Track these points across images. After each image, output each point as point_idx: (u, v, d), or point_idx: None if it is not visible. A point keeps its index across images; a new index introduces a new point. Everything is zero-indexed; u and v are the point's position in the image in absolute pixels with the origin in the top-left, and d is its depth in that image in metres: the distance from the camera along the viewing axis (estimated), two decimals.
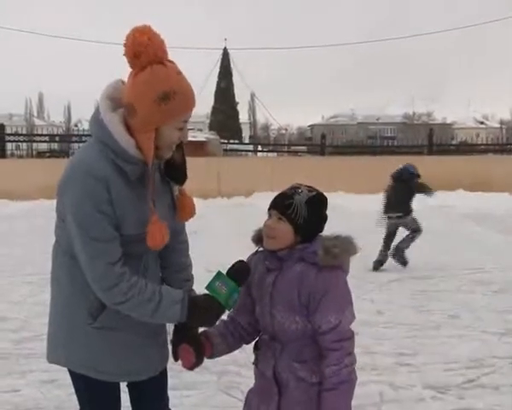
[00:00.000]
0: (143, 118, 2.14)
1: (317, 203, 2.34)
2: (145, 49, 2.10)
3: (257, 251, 2.44)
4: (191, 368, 2.39)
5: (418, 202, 10.34)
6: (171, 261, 2.53)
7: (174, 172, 2.36)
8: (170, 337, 2.47)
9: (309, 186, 2.38)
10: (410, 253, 8.88)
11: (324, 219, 2.38)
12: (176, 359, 2.42)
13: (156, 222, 2.20)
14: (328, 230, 2.39)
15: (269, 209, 2.36)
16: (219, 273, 2.30)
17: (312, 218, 2.30)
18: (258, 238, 2.41)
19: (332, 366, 2.22)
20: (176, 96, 2.13)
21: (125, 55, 2.14)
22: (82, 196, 2.14)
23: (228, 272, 2.30)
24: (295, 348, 2.31)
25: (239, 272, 2.31)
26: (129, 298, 2.19)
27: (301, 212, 2.28)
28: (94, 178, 2.13)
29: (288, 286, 2.28)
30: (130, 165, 2.18)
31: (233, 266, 2.32)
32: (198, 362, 2.37)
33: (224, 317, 2.45)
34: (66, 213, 2.19)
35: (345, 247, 2.29)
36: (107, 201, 2.16)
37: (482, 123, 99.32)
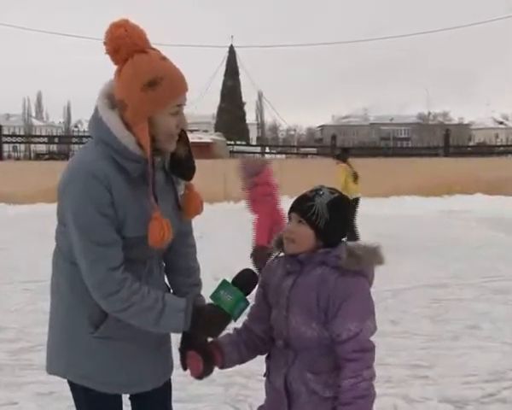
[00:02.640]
0: (134, 109, 2.16)
1: (340, 206, 2.30)
2: (123, 41, 2.14)
3: (276, 256, 2.42)
4: (199, 377, 2.37)
5: (433, 207, 10.32)
6: (179, 266, 2.53)
7: (180, 167, 2.37)
8: (178, 346, 2.46)
9: (331, 188, 2.35)
10: (425, 259, 8.85)
11: (348, 222, 2.35)
12: (184, 368, 2.42)
13: (158, 218, 2.19)
14: None
15: (289, 212, 2.35)
16: (224, 282, 2.29)
17: (334, 221, 2.26)
18: (279, 242, 2.39)
19: (350, 379, 2.17)
20: (162, 81, 2.15)
21: (106, 52, 2.18)
22: (83, 197, 2.14)
23: (233, 281, 2.29)
24: (309, 357, 2.27)
25: (245, 280, 2.30)
26: (130, 305, 2.18)
27: (322, 215, 2.25)
28: (95, 178, 2.14)
29: (306, 289, 2.26)
30: (132, 162, 2.19)
31: (239, 274, 2.32)
32: (206, 371, 2.35)
33: (239, 325, 2.44)
34: (67, 216, 2.20)
35: (370, 254, 2.26)
36: (110, 202, 2.16)
37: (501, 123, 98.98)
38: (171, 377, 2.57)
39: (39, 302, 6.89)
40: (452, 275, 8.82)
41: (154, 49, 2.22)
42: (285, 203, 2.45)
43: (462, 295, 7.76)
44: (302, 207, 2.29)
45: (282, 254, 2.39)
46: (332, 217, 2.26)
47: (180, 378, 2.51)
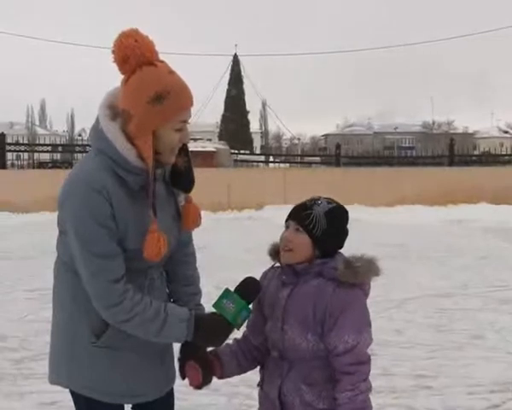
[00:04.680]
0: (138, 122, 2.15)
1: (337, 216, 2.31)
2: (132, 52, 2.13)
3: (273, 266, 2.41)
4: (198, 387, 2.37)
5: (438, 216, 10.31)
6: (179, 275, 2.52)
7: (180, 179, 2.36)
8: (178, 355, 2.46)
9: (329, 198, 2.35)
10: (429, 269, 8.82)
11: (345, 233, 2.34)
12: (183, 377, 2.41)
13: (154, 232, 2.19)
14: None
15: (286, 220, 2.34)
16: (227, 290, 2.29)
17: (332, 231, 2.27)
18: (274, 252, 2.38)
19: (347, 392, 2.17)
20: (169, 95, 2.14)
21: (114, 61, 2.18)
22: (83, 209, 2.14)
23: (236, 289, 2.29)
24: (304, 368, 2.27)
25: (248, 288, 2.29)
26: (132, 316, 2.18)
27: (320, 223, 2.25)
28: (95, 190, 2.14)
29: (303, 301, 2.25)
30: (132, 175, 2.19)
31: (242, 282, 2.31)
32: (205, 381, 2.35)
33: (239, 335, 2.43)
34: (67, 228, 2.20)
35: (367, 266, 2.25)
36: (110, 214, 2.16)
37: (506, 132, 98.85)
38: (174, 387, 2.57)
39: (42, 311, 6.89)
40: (457, 285, 8.80)
41: (162, 61, 2.21)
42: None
43: (467, 304, 7.73)
44: (300, 215, 2.29)
45: (277, 264, 2.38)
46: (329, 226, 2.26)
47: (182, 388, 2.50)
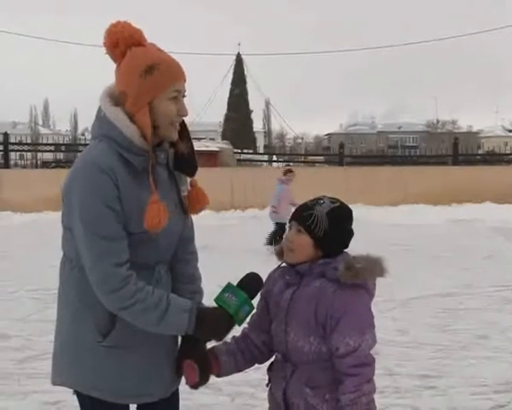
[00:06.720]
0: (134, 96, 2.21)
1: (340, 215, 2.29)
2: (121, 35, 2.23)
3: (279, 266, 2.41)
4: (194, 387, 2.37)
5: (442, 216, 10.28)
6: (180, 272, 2.52)
7: (183, 163, 2.39)
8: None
9: (333, 198, 2.35)
10: (434, 268, 8.80)
11: (348, 233, 2.33)
12: (179, 375, 2.41)
13: (155, 202, 2.19)
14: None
15: (289, 221, 2.35)
16: (229, 285, 2.29)
17: (334, 231, 2.26)
18: (281, 252, 2.38)
19: (349, 394, 2.15)
20: (160, 66, 2.22)
21: (106, 52, 2.27)
22: (89, 191, 2.15)
23: (238, 284, 2.29)
24: (308, 371, 2.26)
25: (250, 283, 2.30)
26: (134, 303, 2.16)
27: (322, 224, 2.24)
28: (102, 171, 2.15)
29: (304, 303, 2.25)
30: (137, 156, 2.21)
31: (244, 277, 2.32)
32: (202, 381, 2.35)
33: (238, 333, 2.43)
34: (73, 212, 2.19)
35: (370, 266, 2.22)
36: (116, 196, 2.17)
37: (511, 131, 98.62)
38: (179, 387, 2.57)
39: (46, 311, 6.90)
40: (461, 284, 8.78)
41: (151, 43, 2.30)
42: None
43: (472, 304, 7.72)
44: (301, 215, 2.29)
45: (284, 264, 2.39)
46: (331, 226, 2.25)
47: (187, 388, 2.50)
